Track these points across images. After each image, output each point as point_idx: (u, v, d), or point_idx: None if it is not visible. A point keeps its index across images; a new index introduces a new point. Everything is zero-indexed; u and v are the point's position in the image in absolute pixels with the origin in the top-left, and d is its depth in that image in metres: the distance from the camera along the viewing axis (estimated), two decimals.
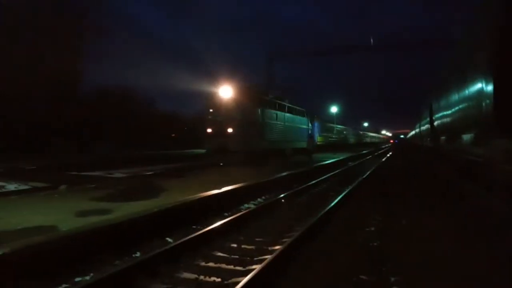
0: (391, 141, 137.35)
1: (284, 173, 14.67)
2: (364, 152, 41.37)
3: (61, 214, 6.76)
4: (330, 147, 37.99)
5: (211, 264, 5.67)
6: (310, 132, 31.63)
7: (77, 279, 4.98)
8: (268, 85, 53.15)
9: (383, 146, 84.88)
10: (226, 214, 8.94)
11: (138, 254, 5.99)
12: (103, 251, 5.72)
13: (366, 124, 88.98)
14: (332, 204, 9.40)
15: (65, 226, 5.89)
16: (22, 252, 4.70)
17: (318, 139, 33.89)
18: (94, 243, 5.70)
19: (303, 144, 28.95)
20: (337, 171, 19.45)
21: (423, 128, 31.02)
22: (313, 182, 14.29)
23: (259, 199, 10.96)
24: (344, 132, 54.50)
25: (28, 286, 4.53)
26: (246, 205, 10.08)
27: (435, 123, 18.56)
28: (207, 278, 5.05)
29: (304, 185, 13.19)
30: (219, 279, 5.01)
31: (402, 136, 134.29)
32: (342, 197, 10.64)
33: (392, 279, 4.83)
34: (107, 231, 5.99)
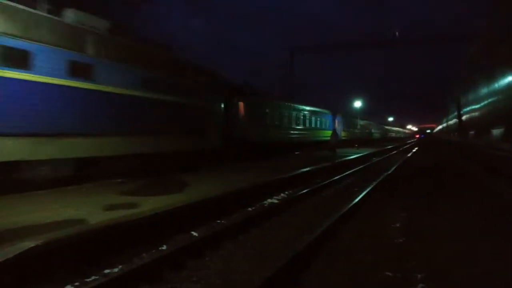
0: (417, 136, 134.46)
1: (307, 168, 14.61)
2: (389, 147, 40.69)
3: (90, 208, 6.97)
4: (354, 142, 37.49)
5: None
6: (332, 126, 31.36)
7: (106, 271, 5.14)
8: (288, 80, 52.95)
9: (409, 141, 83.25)
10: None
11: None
12: (130, 244, 5.88)
13: (391, 119, 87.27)
14: (356, 200, 9.35)
15: (93, 219, 6.07)
16: (53, 244, 4.88)
17: (341, 134, 33.53)
18: (121, 236, 5.86)
19: (326, 139, 28.76)
20: (360, 166, 19.24)
21: (450, 122, 30.25)
22: (336, 177, 14.19)
23: (282, 194, 11.00)
24: (368, 127, 53.71)
25: (58, 278, 4.71)
26: (269, 200, 10.14)
27: (463, 118, 18.08)
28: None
29: (327, 181, 13.12)
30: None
31: (428, 131, 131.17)
32: (366, 193, 10.55)
33: (419, 276, 4.79)
34: (134, 224, 6.15)
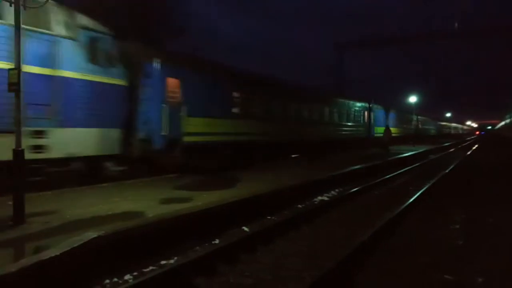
0: (477, 132, 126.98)
1: (358, 166, 14.29)
2: (446, 144, 38.72)
3: (147, 201, 7.30)
4: (408, 139, 36.06)
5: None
6: (385, 123, 30.37)
7: (163, 262, 5.36)
8: (338, 76, 51.91)
9: (468, 138, 78.78)
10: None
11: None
12: (184, 237, 6.08)
13: (448, 115, 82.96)
14: (411, 199, 9.03)
15: (151, 212, 6.35)
16: (114, 235, 5.16)
17: (394, 130, 32.31)
18: (176, 229, 6.08)
19: (378, 136, 27.96)
20: (415, 165, 18.50)
21: None
22: (388, 176, 13.75)
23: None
24: (424, 123, 51.45)
25: (118, 268, 4.98)
26: (319, 197, 10.05)
27: None
28: None
29: (379, 179, 12.75)
30: None
31: (489, 127, 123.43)
32: (421, 193, 10.14)
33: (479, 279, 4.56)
34: (188, 218, 6.36)
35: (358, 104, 27.20)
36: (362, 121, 27.96)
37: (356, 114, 26.66)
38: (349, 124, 25.34)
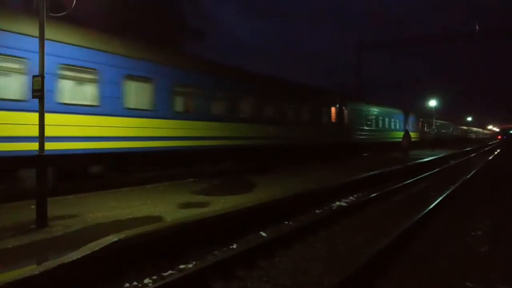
0: (499, 137, 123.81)
1: (377, 171, 14.10)
2: (467, 149, 37.88)
3: (166, 206, 7.37)
4: (428, 143, 35.43)
5: None
6: (404, 127, 29.95)
7: (181, 266, 5.39)
8: (356, 78, 51.51)
9: (490, 143, 76.86)
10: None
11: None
12: (203, 241, 6.10)
13: (469, 119, 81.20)
14: (432, 205, 8.86)
15: (170, 216, 6.41)
16: (133, 239, 5.22)
17: (413, 135, 31.79)
18: (195, 233, 6.11)
19: (397, 140, 27.59)
20: (435, 170, 18.16)
21: None
22: (408, 181, 13.52)
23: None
24: (445, 127, 50.52)
25: (137, 271, 5.02)
26: (338, 203, 9.96)
27: None
28: None
29: (398, 185, 12.56)
30: None
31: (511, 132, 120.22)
32: (443, 198, 9.94)
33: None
34: (207, 222, 6.38)
35: (377, 108, 26.86)
36: (384, 126, 27.64)
37: (377, 118, 26.39)
38: (370, 128, 25.09)
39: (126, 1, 20.99)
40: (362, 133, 24.15)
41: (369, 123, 25.18)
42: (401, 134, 25.92)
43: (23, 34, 7.84)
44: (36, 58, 5.95)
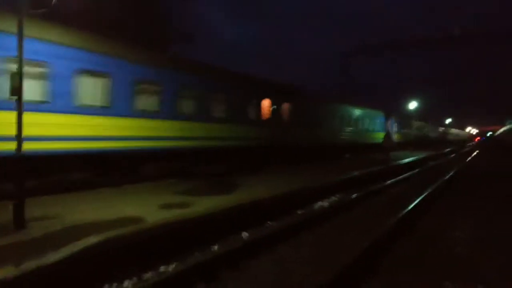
0: (477, 138, 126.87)
1: (358, 172, 14.27)
2: (446, 150, 38.67)
3: (147, 207, 7.29)
4: (409, 144, 36.08)
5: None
6: (386, 129, 30.37)
7: (162, 268, 5.35)
8: (342, 81, 52.01)
9: (468, 144, 78.63)
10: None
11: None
12: (184, 243, 6.07)
13: (448, 120, 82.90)
14: (412, 205, 9.01)
15: (151, 218, 6.35)
16: (114, 241, 5.16)
17: (396, 136, 32.31)
18: (177, 234, 6.08)
19: (378, 141, 27.92)
20: (416, 170, 18.49)
21: None
22: (390, 182, 13.74)
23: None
24: (425, 129, 51.45)
25: (117, 273, 4.97)
26: (320, 203, 10.05)
27: None
28: None
29: (380, 185, 12.74)
30: None
31: (489, 133, 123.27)
32: (423, 198, 10.13)
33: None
34: (189, 223, 6.35)
35: (358, 109, 27.03)
36: (362, 127, 27.76)
37: (357, 119, 26.50)
38: (350, 129, 25.24)
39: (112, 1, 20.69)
40: (342, 134, 24.18)
41: (348, 124, 25.14)
42: (382, 135, 26.22)
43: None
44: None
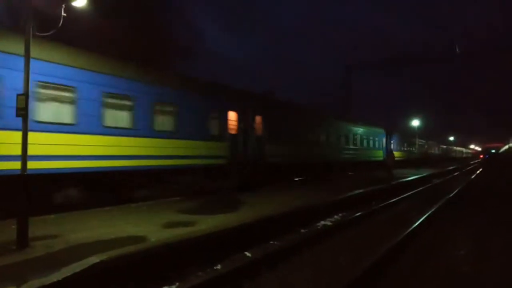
0: (481, 156, 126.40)
1: (361, 190, 14.23)
2: (450, 168, 38.51)
3: (150, 226, 7.29)
4: (411, 163, 35.94)
5: None
6: (387, 146, 30.34)
7: (165, 287, 5.33)
8: (344, 97, 52.27)
9: (472, 162, 78.39)
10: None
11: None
12: (187, 262, 6.05)
13: (452, 138, 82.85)
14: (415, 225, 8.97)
15: (153, 236, 6.34)
16: (116, 260, 5.16)
17: (398, 154, 32.19)
18: (180, 253, 6.06)
19: (379, 159, 27.88)
20: (420, 188, 18.41)
21: None
22: (393, 200, 13.67)
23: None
24: (427, 147, 51.40)
25: None
26: (322, 222, 10.00)
27: None
28: None
29: (384, 203, 12.68)
30: None
31: (493, 151, 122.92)
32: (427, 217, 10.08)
33: None
34: (192, 242, 6.34)
35: (359, 127, 26.93)
36: (366, 145, 27.63)
37: (358, 137, 26.39)
38: (352, 147, 25.19)
39: (112, 20, 21.03)
40: (342, 152, 24.01)
41: (348, 142, 24.96)
42: (382, 153, 26.16)
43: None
44: None
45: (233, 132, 13.98)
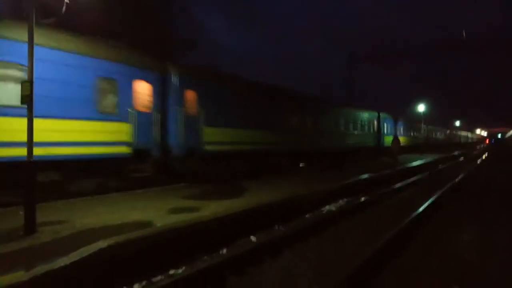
0: (487, 141, 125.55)
1: (366, 176, 14.23)
2: (455, 153, 38.33)
3: (156, 211, 7.35)
4: (417, 148, 35.76)
5: None
6: (393, 132, 30.17)
7: (171, 271, 5.39)
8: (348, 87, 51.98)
9: (478, 147, 77.89)
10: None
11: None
12: (193, 247, 6.11)
13: (457, 123, 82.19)
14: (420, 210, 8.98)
15: (159, 222, 6.40)
16: (123, 245, 5.21)
17: (403, 139, 31.97)
18: (185, 238, 6.12)
19: (384, 144, 27.70)
20: (424, 174, 18.38)
21: None
22: (398, 185, 13.67)
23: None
24: (433, 132, 51.09)
25: (128, 275, 5.02)
26: (327, 207, 10.05)
27: None
28: None
29: (386, 190, 12.68)
30: None
31: (499, 135, 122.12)
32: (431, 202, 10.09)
33: None
34: (197, 227, 6.40)
35: (367, 114, 26.67)
36: (372, 131, 27.31)
37: (364, 123, 26.02)
38: (357, 133, 24.90)
39: (114, 10, 20.90)
40: (353, 138, 23.89)
41: (356, 127, 24.64)
42: (390, 138, 25.99)
43: None
44: None
45: (144, 109, 10.70)
